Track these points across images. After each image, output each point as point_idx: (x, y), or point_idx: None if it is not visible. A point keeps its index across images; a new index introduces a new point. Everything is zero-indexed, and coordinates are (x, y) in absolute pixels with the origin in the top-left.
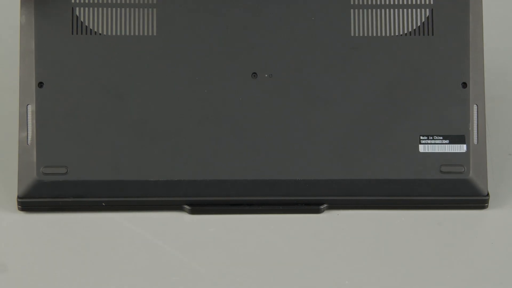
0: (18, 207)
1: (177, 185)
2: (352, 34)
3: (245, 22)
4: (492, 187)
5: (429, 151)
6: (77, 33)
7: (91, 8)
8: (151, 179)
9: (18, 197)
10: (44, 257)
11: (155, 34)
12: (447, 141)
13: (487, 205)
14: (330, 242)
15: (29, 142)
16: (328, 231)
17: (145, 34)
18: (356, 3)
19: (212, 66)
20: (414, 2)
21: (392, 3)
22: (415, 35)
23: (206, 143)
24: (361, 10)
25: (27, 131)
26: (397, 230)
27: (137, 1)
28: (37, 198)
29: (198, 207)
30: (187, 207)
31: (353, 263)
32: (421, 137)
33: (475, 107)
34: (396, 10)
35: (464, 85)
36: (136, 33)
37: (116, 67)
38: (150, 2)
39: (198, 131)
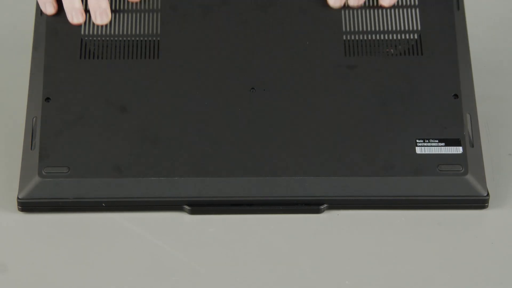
0: (18, 208)
1: (177, 185)
2: (346, 56)
3: (243, 44)
4: (492, 187)
5: (426, 152)
6: (85, 58)
7: (99, 39)
8: (151, 179)
9: (18, 198)
10: (44, 257)
11: (158, 58)
12: (443, 144)
13: (487, 205)
14: (330, 242)
15: (32, 148)
16: (328, 231)
17: (149, 58)
18: (348, 30)
19: (212, 85)
20: (402, 28)
21: (382, 29)
22: (405, 55)
23: (206, 143)
24: (353, 36)
25: (32, 138)
26: (397, 230)
27: (142, 32)
28: (37, 199)
29: (198, 207)
30: (187, 207)
31: (353, 263)
32: (417, 141)
33: (468, 116)
34: (385, 35)
35: (456, 96)
36: (141, 58)
37: (121, 85)
38: (154, 32)
39: (198, 131)
